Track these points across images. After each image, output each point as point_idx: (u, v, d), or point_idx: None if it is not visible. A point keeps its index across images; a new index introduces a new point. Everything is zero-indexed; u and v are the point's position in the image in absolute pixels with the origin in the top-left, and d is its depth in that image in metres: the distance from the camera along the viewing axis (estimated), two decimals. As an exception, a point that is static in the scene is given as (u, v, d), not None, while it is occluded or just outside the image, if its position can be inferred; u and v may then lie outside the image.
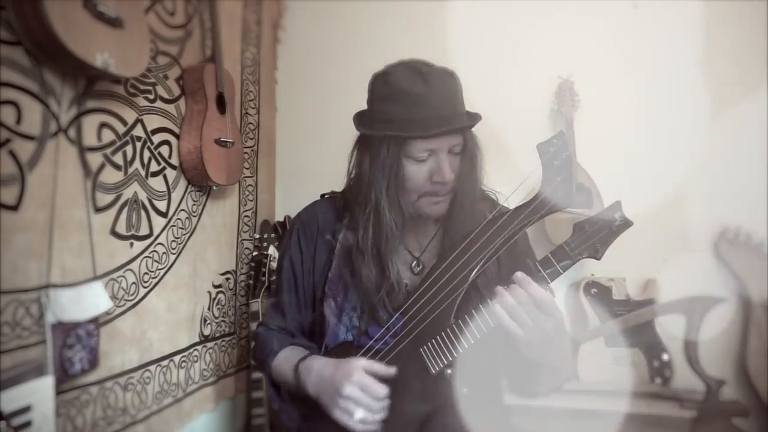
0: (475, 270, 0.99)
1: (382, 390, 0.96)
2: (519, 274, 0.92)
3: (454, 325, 0.98)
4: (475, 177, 1.09)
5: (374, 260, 1.07)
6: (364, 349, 1.02)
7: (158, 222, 1.51)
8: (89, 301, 1.21)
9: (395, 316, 1.03)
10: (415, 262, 1.13)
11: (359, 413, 0.94)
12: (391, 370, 0.98)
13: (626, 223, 0.94)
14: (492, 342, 0.98)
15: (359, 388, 0.94)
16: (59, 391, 1.14)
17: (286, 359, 1.10)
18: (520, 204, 0.99)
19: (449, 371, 0.99)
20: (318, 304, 1.14)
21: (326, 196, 1.24)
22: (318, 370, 1.01)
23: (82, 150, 1.24)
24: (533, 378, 1.05)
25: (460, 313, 0.98)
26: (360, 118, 1.11)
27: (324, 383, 0.99)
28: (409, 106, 1.00)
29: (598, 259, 0.95)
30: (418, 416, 0.98)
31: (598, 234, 0.95)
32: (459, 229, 1.06)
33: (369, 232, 1.07)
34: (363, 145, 1.11)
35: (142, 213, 1.45)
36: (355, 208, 1.10)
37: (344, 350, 1.06)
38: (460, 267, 0.99)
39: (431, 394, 0.99)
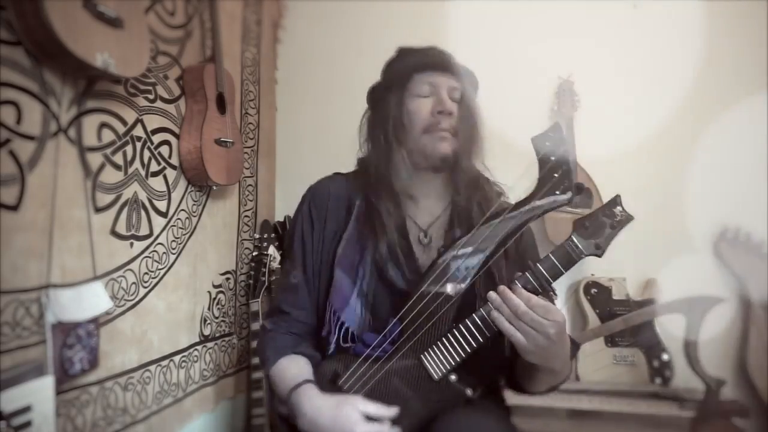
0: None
1: (388, 426, 0.93)
2: (501, 288, 0.91)
3: (455, 329, 0.95)
4: (475, 125, 1.12)
5: (390, 199, 1.10)
6: (360, 359, 0.99)
7: (158, 222, 1.51)
8: (89, 301, 1.21)
9: (393, 322, 1.00)
10: (422, 234, 1.11)
11: None
12: (392, 412, 0.94)
13: (627, 218, 0.92)
14: (493, 344, 0.97)
15: None
16: (59, 391, 1.14)
17: (282, 376, 1.05)
18: (517, 201, 0.97)
19: (453, 376, 0.97)
20: (329, 271, 1.10)
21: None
22: (311, 414, 0.95)
23: (82, 150, 1.24)
24: (531, 378, 1.04)
25: (461, 316, 0.96)
26: (371, 89, 1.20)
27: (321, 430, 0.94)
28: (412, 55, 1.14)
29: (600, 255, 0.93)
30: (421, 422, 0.96)
31: (599, 230, 0.93)
32: (467, 202, 1.09)
33: (381, 169, 1.10)
34: (372, 107, 1.19)
35: (142, 213, 1.45)
36: (369, 165, 1.14)
37: (340, 359, 1.02)
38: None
39: (434, 398, 0.97)
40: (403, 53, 1.17)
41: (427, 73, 1.10)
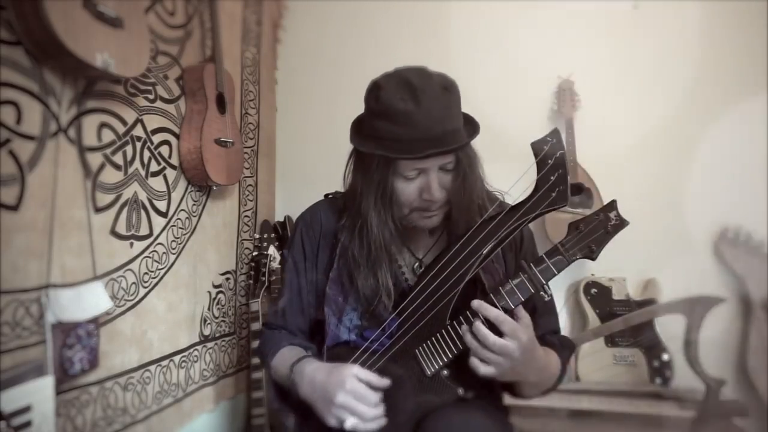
0: (471, 270, 0.98)
1: (375, 398, 0.95)
2: (475, 302, 0.93)
3: (449, 327, 0.97)
4: (470, 190, 1.06)
5: (369, 269, 1.07)
6: (359, 351, 1.01)
7: (158, 222, 1.51)
8: (89, 301, 1.21)
9: (391, 317, 1.03)
10: (417, 264, 1.13)
11: (351, 420, 0.93)
12: (383, 382, 0.96)
13: (622, 223, 0.93)
14: None
15: (352, 397, 0.93)
16: (59, 391, 1.14)
17: (283, 360, 1.09)
18: (516, 203, 0.98)
19: (445, 372, 0.98)
20: (319, 303, 1.14)
21: (330, 196, 1.24)
22: (310, 375, 1.00)
23: (82, 150, 1.24)
24: (517, 387, 1.08)
25: (456, 314, 0.97)
26: (356, 128, 1.10)
27: (316, 390, 0.98)
28: (397, 125, 0.97)
29: (593, 259, 0.94)
30: (414, 417, 0.97)
31: (593, 234, 0.94)
32: (462, 232, 1.06)
33: (364, 243, 1.07)
34: (357, 155, 1.11)
35: (142, 213, 1.45)
36: (351, 214, 1.11)
37: (342, 351, 1.05)
38: (456, 267, 0.99)
39: (427, 395, 0.98)
40: (386, 113, 0.97)
41: (415, 161, 0.98)
